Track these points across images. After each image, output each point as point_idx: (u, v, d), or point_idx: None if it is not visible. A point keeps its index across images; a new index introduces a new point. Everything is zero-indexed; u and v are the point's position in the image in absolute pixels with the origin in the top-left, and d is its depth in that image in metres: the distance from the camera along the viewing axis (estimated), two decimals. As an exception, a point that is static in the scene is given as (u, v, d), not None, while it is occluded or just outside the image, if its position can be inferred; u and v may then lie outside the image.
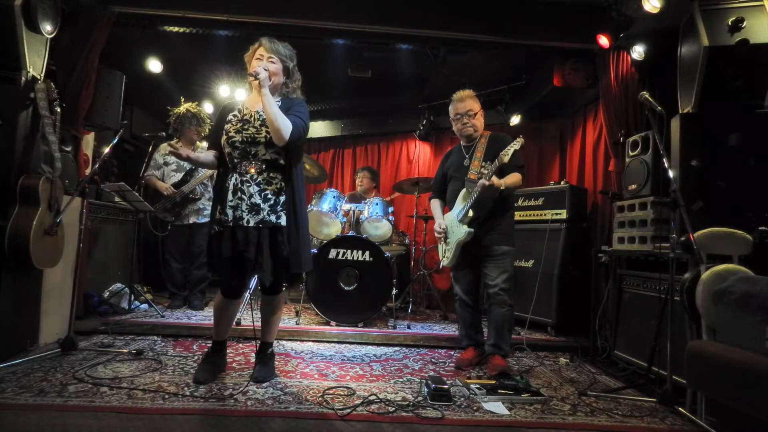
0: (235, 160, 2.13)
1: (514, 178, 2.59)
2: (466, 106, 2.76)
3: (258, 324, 2.35)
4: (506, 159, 2.46)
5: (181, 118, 3.82)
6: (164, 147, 3.92)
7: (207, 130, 3.89)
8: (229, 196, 2.08)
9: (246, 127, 2.12)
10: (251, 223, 2.06)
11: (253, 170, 2.10)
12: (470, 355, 2.75)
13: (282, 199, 2.13)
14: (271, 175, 2.13)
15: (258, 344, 2.36)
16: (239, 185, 2.09)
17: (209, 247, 2.17)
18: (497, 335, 2.63)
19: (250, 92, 2.25)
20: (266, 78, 2.03)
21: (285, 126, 2.03)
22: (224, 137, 2.14)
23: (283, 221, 2.11)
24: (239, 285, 2.24)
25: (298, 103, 2.20)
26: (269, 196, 2.10)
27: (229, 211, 2.07)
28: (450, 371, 2.60)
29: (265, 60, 2.14)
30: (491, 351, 2.65)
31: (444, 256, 2.81)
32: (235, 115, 2.18)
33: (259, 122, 2.12)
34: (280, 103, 2.15)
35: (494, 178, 2.49)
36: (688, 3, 2.53)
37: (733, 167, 2.45)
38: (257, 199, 2.08)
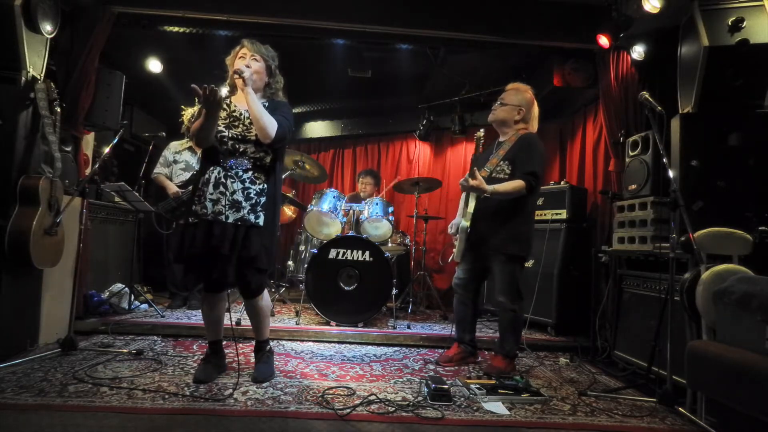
0: (220, 156, 2.13)
1: (510, 185, 2.44)
2: (503, 95, 2.73)
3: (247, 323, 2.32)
4: (485, 173, 2.48)
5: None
6: (174, 145, 3.90)
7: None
8: (210, 189, 2.07)
9: (236, 124, 2.13)
10: (230, 219, 2.05)
11: (239, 168, 2.11)
12: (452, 351, 2.76)
13: (263, 200, 2.13)
14: (256, 174, 2.15)
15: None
16: (222, 179, 2.08)
17: (181, 236, 2.10)
18: (500, 336, 2.64)
19: (230, 93, 2.23)
20: (250, 77, 2.05)
21: (271, 125, 2.05)
22: None
23: (261, 221, 2.11)
24: (199, 279, 2.17)
25: (283, 105, 2.24)
26: (252, 195, 2.11)
27: (209, 204, 2.06)
28: (450, 371, 2.60)
29: (248, 58, 2.15)
30: (494, 350, 2.68)
31: (455, 251, 2.77)
32: (223, 108, 2.16)
33: (248, 120, 2.12)
34: (267, 105, 2.17)
35: (479, 180, 2.42)
36: (688, 3, 2.53)
37: (733, 167, 2.45)
38: (239, 196, 2.08)
